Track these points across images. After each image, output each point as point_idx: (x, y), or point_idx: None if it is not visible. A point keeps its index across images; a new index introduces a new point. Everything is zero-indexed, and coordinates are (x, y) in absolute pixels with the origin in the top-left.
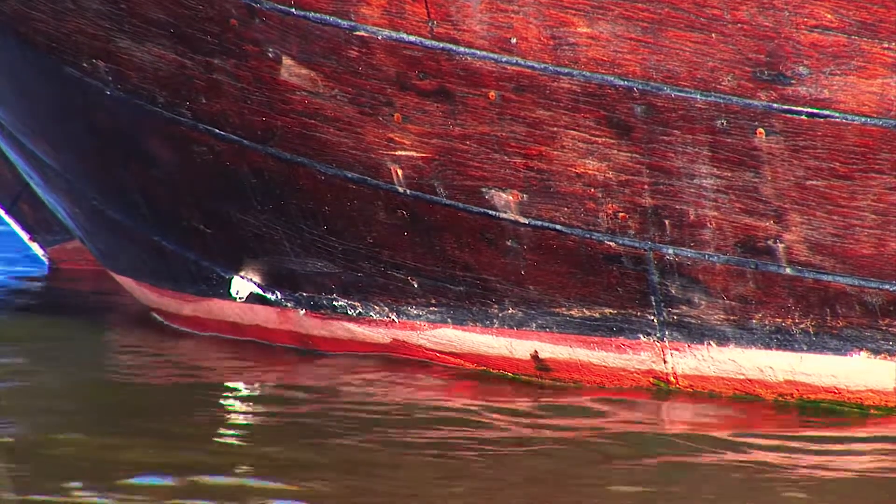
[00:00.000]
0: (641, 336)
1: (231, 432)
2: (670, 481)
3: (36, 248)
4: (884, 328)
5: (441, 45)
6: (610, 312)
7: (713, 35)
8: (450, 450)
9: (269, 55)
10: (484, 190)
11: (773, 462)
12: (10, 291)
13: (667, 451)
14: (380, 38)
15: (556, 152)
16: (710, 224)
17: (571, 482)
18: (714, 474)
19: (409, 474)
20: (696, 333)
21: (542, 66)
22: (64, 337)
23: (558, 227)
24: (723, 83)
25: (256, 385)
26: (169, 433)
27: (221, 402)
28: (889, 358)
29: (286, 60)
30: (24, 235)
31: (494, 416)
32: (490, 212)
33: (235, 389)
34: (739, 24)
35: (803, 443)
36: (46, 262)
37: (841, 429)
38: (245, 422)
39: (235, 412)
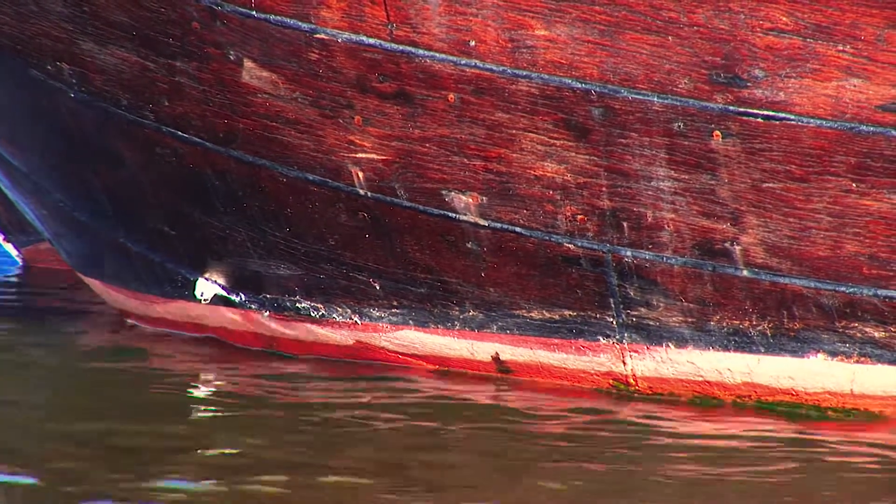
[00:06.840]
0: (601, 338)
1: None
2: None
3: (10, 249)
4: (840, 330)
5: (400, 47)
6: (569, 314)
7: (670, 38)
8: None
9: (231, 58)
10: (444, 192)
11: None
12: None
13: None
14: (340, 40)
15: (514, 155)
16: (668, 226)
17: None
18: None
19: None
20: (654, 335)
21: (501, 68)
22: (33, 337)
23: (517, 229)
24: (679, 86)
25: (219, 384)
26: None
27: (184, 402)
28: (846, 360)
29: (247, 63)
30: None
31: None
32: (450, 214)
33: (200, 391)
34: (695, 27)
35: None
36: (20, 262)
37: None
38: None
39: (199, 413)
